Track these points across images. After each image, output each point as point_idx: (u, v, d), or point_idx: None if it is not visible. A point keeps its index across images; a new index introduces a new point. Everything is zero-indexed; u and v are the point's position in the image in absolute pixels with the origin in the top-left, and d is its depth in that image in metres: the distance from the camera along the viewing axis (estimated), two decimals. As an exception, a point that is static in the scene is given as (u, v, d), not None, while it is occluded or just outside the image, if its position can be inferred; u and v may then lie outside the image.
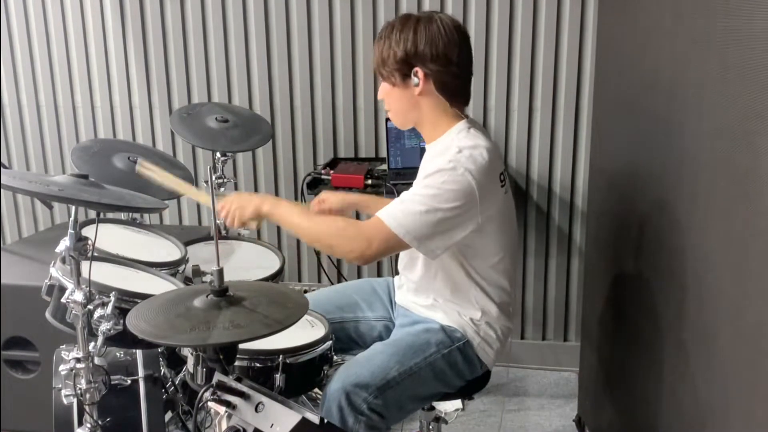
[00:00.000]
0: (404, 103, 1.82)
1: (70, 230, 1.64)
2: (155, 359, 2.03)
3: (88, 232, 1.70)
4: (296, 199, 3.23)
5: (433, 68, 1.76)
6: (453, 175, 1.69)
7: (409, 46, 1.75)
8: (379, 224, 1.72)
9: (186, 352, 1.67)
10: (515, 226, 1.94)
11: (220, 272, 1.46)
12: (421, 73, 1.76)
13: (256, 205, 1.87)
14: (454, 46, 1.76)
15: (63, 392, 1.73)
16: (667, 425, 1.78)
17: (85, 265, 1.66)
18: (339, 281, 3.27)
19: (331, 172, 2.86)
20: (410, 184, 1.85)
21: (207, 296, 1.45)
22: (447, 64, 1.76)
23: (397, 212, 1.72)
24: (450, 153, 1.73)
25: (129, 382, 1.98)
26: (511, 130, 3.06)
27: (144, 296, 1.63)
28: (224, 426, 1.43)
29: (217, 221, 2.54)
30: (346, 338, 2.01)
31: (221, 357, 1.46)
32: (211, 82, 3.23)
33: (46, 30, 3.32)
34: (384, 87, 1.85)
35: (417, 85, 1.77)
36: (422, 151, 1.91)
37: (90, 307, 1.66)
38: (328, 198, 2.13)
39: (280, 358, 1.70)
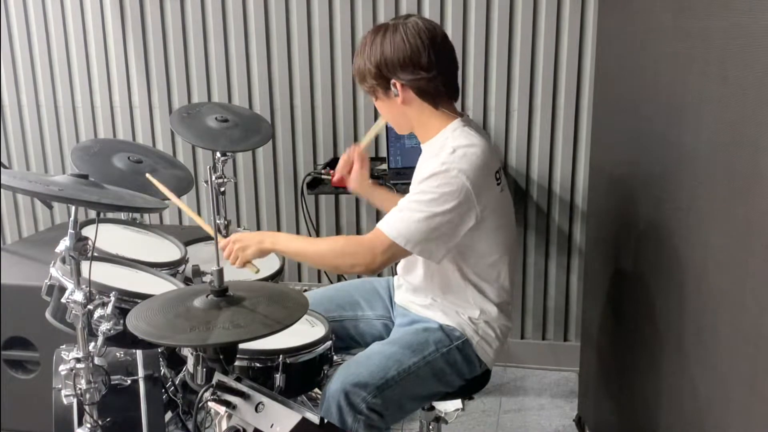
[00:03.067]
0: (393, 113, 1.85)
1: (70, 230, 1.64)
2: (155, 359, 2.03)
3: (88, 232, 1.70)
4: (296, 199, 3.24)
5: (405, 77, 1.75)
6: (447, 177, 1.70)
7: (378, 59, 1.76)
8: (380, 236, 1.74)
9: (186, 352, 1.67)
10: (513, 224, 1.94)
11: (220, 272, 1.46)
12: (398, 84, 1.77)
13: (256, 243, 1.86)
14: (419, 52, 1.74)
15: (63, 392, 1.73)
16: (667, 425, 1.78)
17: (85, 265, 1.66)
18: (339, 281, 3.27)
19: (331, 171, 2.84)
20: (410, 184, 1.86)
21: (207, 296, 1.45)
22: (416, 70, 1.75)
23: (396, 222, 1.74)
24: (444, 154, 1.73)
25: (129, 382, 1.98)
26: (511, 130, 3.06)
27: (144, 296, 1.63)
28: (224, 426, 1.43)
29: (218, 221, 2.55)
30: (346, 337, 2.02)
31: (221, 357, 1.46)
32: (211, 82, 3.23)
33: (46, 30, 3.32)
34: (374, 99, 1.87)
35: (397, 95, 1.78)
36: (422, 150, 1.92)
37: (90, 307, 1.66)
38: (353, 176, 2.12)
39: (280, 358, 1.70)
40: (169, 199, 2.08)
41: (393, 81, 1.77)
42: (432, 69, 1.75)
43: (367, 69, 1.78)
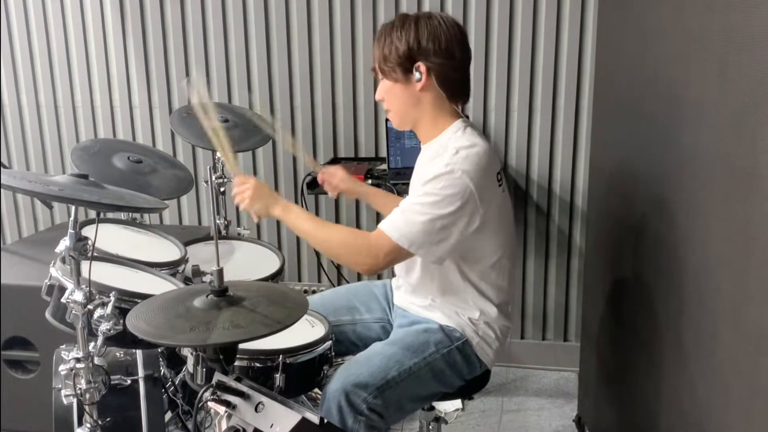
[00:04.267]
0: (405, 99, 1.83)
1: (70, 230, 1.64)
2: (155, 359, 2.03)
3: (88, 232, 1.70)
4: (296, 199, 3.24)
5: (436, 62, 1.76)
6: (450, 178, 1.70)
7: (411, 41, 1.76)
8: (383, 237, 1.74)
9: (186, 352, 1.67)
10: (513, 224, 1.94)
11: (220, 272, 1.46)
12: (423, 68, 1.77)
13: (268, 204, 1.88)
14: (455, 42, 1.77)
15: (63, 392, 1.73)
16: (667, 425, 1.78)
17: (85, 265, 1.66)
18: (339, 281, 3.27)
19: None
20: (410, 184, 1.86)
21: (207, 296, 1.45)
22: (449, 58, 1.77)
23: (399, 224, 1.73)
24: (447, 155, 1.73)
25: (129, 382, 1.98)
26: (511, 130, 3.06)
27: (144, 296, 1.63)
28: (224, 426, 1.43)
29: (217, 221, 2.54)
30: (345, 341, 2.01)
31: (221, 357, 1.46)
32: (211, 82, 3.23)
33: (46, 30, 3.32)
34: (384, 85, 1.84)
35: (419, 80, 1.78)
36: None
37: (90, 307, 1.66)
38: (339, 178, 2.16)
39: (280, 358, 1.70)
40: (169, 199, 2.07)
41: (418, 64, 1.77)
42: (461, 61, 1.80)
43: (394, 48, 1.78)
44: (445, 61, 1.76)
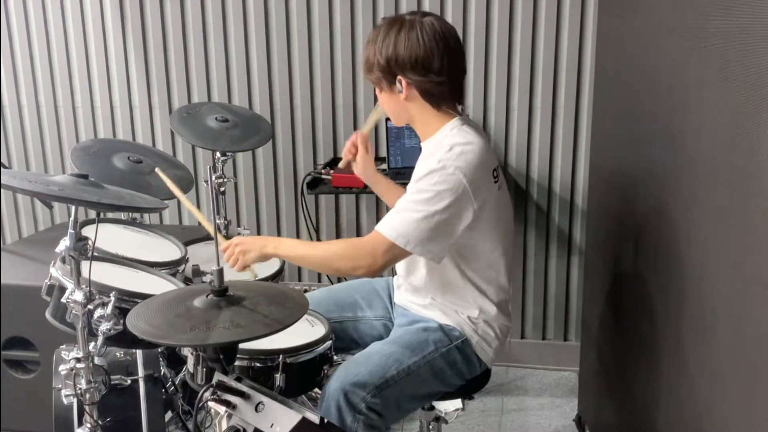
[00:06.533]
0: (393, 105, 1.85)
1: (70, 230, 1.64)
2: (155, 359, 2.03)
3: (88, 232, 1.70)
4: (296, 199, 3.24)
5: (413, 77, 1.75)
6: (443, 174, 1.70)
7: (390, 54, 1.75)
8: (379, 238, 1.74)
9: (186, 351, 1.67)
10: (511, 222, 1.94)
11: (220, 272, 1.46)
12: (404, 82, 1.77)
13: (259, 247, 1.86)
14: (433, 55, 1.74)
15: (63, 392, 1.73)
16: (667, 425, 1.78)
17: (85, 265, 1.66)
18: (339, 281, 3.27)
19: (331, 171, 2.86)
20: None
21: (207, 296, 1.46)
22: (426, 73, 1.75)
23: (395, 223, 1.73)
24: (440, 151, 1.74)
25: (129, 382, 1.99)
26: (511, 130, 3.06)
27: (144, 296, 1.63)
28: (224, 426, 1.43)
29: (218, 221, 2.55)
30: (346, 338, 2.02)
31: (221, 357, 1.46)
32: (211, 82, 3.23)
33: (46, 30, 3.32)
34: (377, 89, 1.87)
35: (401, 92, 1.78)
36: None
37: (90, 307, 1.66)
38: (358, 160, 2.10)
39: (280, 358, 1.70)
40: (169, 199, 2.08)
41: (399, 77, 1.77)
42: (442, 74, 1.76)
43: (377, 61, 1.78)
44: (422, 77, 1.74)
